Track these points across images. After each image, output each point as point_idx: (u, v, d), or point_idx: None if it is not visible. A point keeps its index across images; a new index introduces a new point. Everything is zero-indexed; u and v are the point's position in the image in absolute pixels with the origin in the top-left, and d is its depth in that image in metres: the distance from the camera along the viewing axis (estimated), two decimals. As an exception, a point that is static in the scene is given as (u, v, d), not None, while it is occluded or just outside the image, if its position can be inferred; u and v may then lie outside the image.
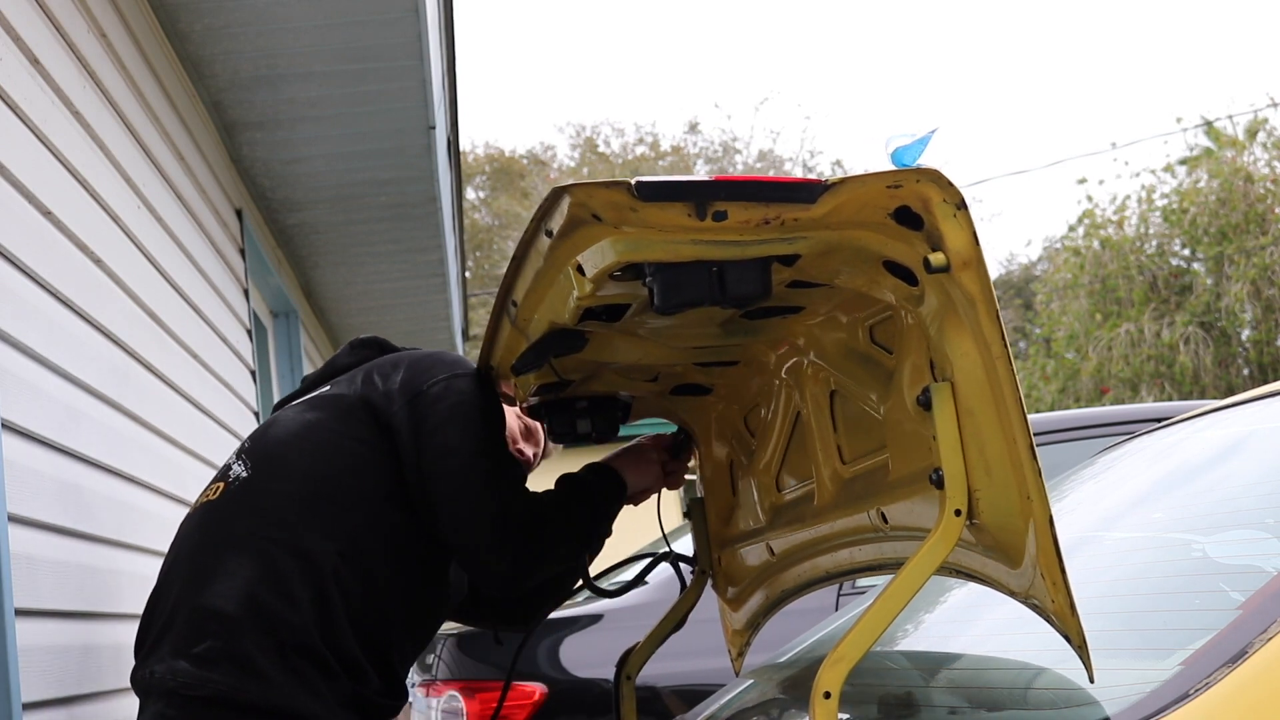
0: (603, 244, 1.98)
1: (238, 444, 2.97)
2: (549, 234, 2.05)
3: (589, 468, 2.99)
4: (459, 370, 2.85)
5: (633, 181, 1.88)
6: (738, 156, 32.68)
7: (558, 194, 1.95)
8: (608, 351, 2.54)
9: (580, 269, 2.07)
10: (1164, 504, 2.42)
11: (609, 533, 2.97)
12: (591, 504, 2.92)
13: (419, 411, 2.78)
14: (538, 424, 3.09)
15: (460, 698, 4.67)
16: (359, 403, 2.81)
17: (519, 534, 2.76)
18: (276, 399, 7.52)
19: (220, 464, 4.96)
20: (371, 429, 2.78)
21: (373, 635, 2.74)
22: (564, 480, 2.94)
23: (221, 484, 2.79)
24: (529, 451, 3.14)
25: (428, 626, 2.93)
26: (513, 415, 3.08)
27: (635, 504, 3.07)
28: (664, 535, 3.18)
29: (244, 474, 2.77)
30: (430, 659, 4.98)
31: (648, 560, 3.13)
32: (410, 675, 5.46)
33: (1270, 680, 1.58)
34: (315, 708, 2.61)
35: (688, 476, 3.12)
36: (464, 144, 28.45)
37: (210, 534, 2.72)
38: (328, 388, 2.91)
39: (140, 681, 2.66)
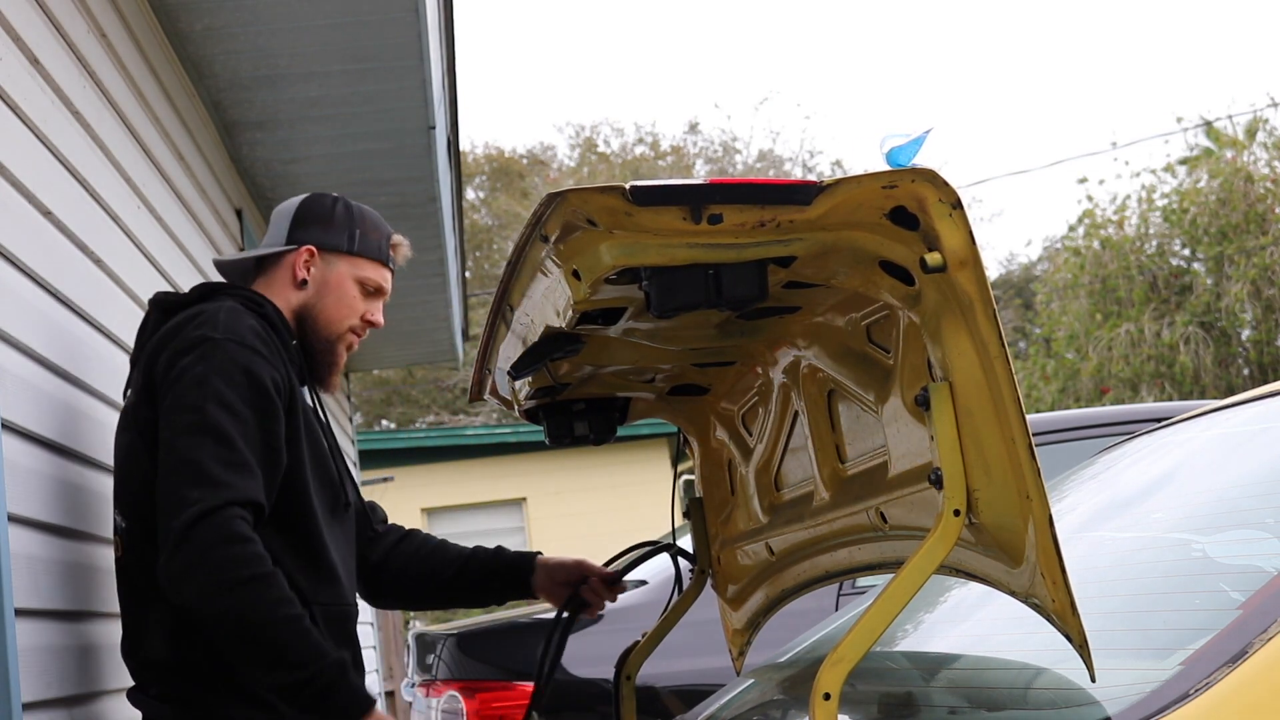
0: (598, 248, 1.98)
1: None
2: (544, 239, 2.05)
3: (354, 669, 2.78)
4: (198, 347, 2.78)
5: (627, 186, 1.88)
6: (738, 156, 32.68)
7: (552, 199, 1.95)
8: (604, 354, 2.54)
9: (576, 273, 2.07)
10: (1164, 504, 2.42)
11: (263, 678, 2.71)
12: (295, 663, 2.64)
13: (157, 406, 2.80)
14: (382, 275, 3.13)
15: (460, 698, 4.67)
16: (139, 414, 2.83)
17: (198, 551, 2.61)
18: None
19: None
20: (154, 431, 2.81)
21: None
22: (311, 633, 2.67)
23: (118, 539, 2.91)
24: (381, 316, 3.14)
25: (332, 598, 2.90)
26: (351, 280, 3.08)
27: None
28: (673, 530, 3.20)
29: (122, 524, 2.88)
30: (430, 659, 4.98)
31: (645, 554, 3.14)
32: (410, 675, 5.46)
33: (1270, 680, 1.58)
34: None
35: (687, 476, 3.13)
36: (464, 144, 28.47)
37: (124, 592, 2.89)
38: (129, 387, 2.95)
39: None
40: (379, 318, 3.14)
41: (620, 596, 3.25)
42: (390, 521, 3.36)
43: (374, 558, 3.25)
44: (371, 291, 3.12)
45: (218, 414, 2.70)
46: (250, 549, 2.63)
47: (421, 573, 3.26)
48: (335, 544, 2.94)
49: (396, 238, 3.17)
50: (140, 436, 2.81)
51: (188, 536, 2.61)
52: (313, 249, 3.07)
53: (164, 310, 2.96)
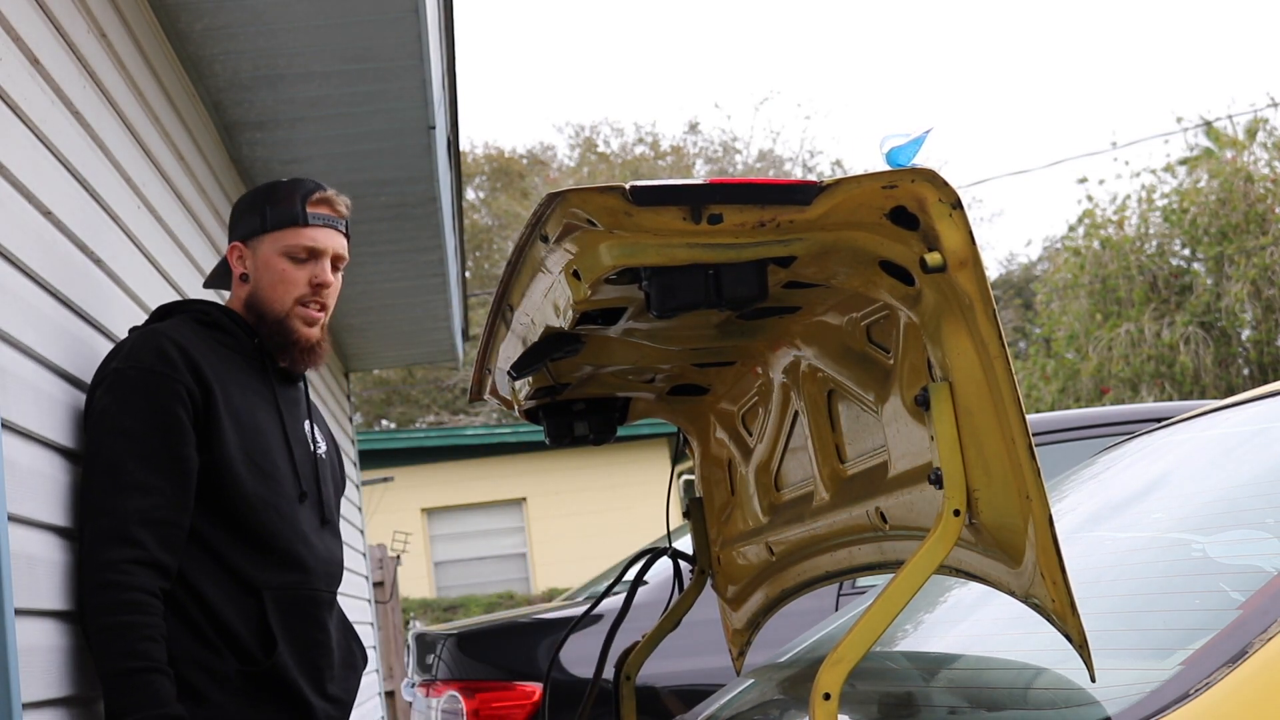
0: (598, 249, 1.98)
1: None
2: (544, 239, 2.05)
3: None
4: (107, 379, 2.98)
5: (627, 186, 1.88)
6: (738, 157, 32.68)
7: (552, 199, 1.96)
8: (604, 354, 2.54)
9: (576, 273, 2.07)
10: (1164, 504, 2.42)
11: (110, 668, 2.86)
12: (129, 688, 2.81)
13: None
14: (305, 235, 3.20)
15: (460, 698, 4.67)
16: None
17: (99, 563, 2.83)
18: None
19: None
20: None
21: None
22: (154, 668, 2.82)
23: None
24: (329, 274, 3.22)
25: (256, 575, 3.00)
26: (276, 255, 3.16)
27: None
28: (668, 533, 3.19)
29: None
30: (430, 659, 4.98)
31: (646, 558, 3.14)
32: (410, 675, 5.47)
33: (1270, 680, 1.58)
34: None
35: (687, 476, 3.13)
36: (464, 144, 28.48)
37: None
38: None
39: None
40: (327, 277, 3.19)
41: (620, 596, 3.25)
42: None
43: None
44: (305, 257, 3.18)
45: (113, 443, 2.90)
46: (110, 597, 2.81)
47: None
48: (292, 531, 3.05)
49: (319, 194, 3.23)
50: None
51: (81, 575, 2.87)
52: (238, 244, 3.22)
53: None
